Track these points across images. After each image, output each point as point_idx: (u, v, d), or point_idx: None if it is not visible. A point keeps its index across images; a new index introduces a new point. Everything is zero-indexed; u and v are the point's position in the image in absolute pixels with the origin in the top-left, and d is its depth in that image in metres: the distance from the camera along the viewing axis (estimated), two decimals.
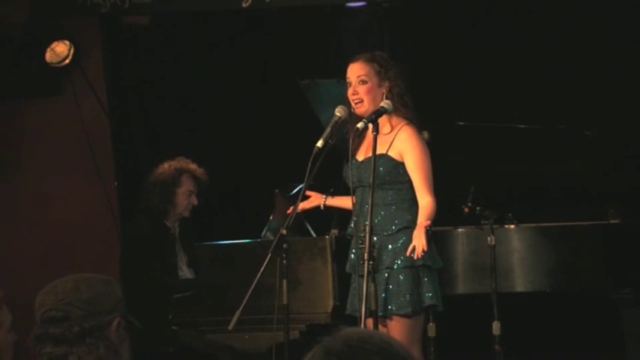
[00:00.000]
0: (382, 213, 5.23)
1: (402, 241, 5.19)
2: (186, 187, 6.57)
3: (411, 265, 5.14)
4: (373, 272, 4.98)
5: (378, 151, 5.15)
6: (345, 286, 5.70)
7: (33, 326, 2.76)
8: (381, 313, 5.15)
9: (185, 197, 6.57)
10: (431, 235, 5.30)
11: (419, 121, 5.32)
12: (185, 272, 6.59)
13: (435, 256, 5.27)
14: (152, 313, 6.11)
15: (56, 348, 2.66)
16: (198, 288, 6.37)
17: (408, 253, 5.01)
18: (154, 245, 6.45)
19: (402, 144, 5.23)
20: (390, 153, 5.24)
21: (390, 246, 5.20)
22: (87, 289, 2.71)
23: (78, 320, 2.66)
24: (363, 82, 5.30)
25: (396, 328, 5.15)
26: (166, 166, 6.61)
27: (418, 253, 4.96)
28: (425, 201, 5.17)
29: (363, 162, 5.29)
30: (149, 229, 6.50)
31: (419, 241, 4.98)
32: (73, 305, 2.67)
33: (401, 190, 5.24)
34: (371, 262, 4.94)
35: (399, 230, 5.20)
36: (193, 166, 6.63)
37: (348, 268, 5.41)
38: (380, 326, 5.19)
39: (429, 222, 5.05)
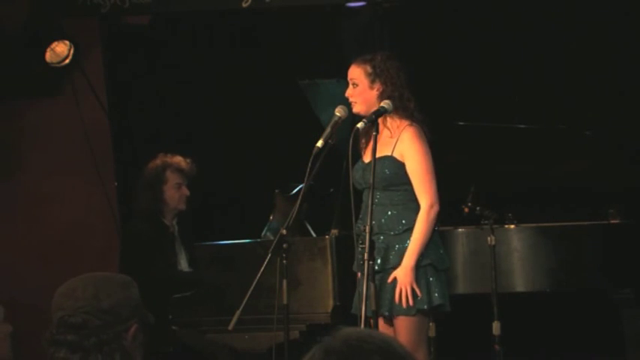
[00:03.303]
0: (389, 213, 5.24)
1: (409, 241, 5.20)
2: (172, 181, 6.55)
3: (417, 264, 5.14)
4: (373, 272, 4.99)
5: (384, 153, 5.18)
6: (346, 286, 5.70)
7: (30, 323, 2.77)
8: (387, 313, 5.16)
9: (174, 191, 6.54)
10: (439, 236, 5.31)
11: (424, 121, 5.32)
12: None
13: (441, 257, 5.27)
14: (153, 313, 6.11)
15: (71, 355, 2.67)
16: (201, 283, 6.36)
17: (397, 300, 5.07)
18: (153, 244, 6.45)
19: (403, 145, 5.24)
20: (394, 154, 5.25)
21: (397, 246, 5.20)
22: (107, 297, 2.70)
23: (95, 330, 2.67)
24: (354, 84, 5.37)
25: (403, 329, 5.15)
26: (150, 166, 6.60)
27: (404, 299, 5.07)
28: (421, 212, 5.18)
29: (368, 163, 5.29)
30: (147, 229, 6.49)
31: (404, 284, 5.07)
32: (92, 314, 2.67)
33: (408, 191, 5.23)
34: (371, 262, 4.94)
35: (405, 230, 5.20)
36: (176, 159, 6.60)
37: (355, 267, 5.41)
38: (387, 327, 5.19)
39: (413, 262, 5.10)
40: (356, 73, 5.36)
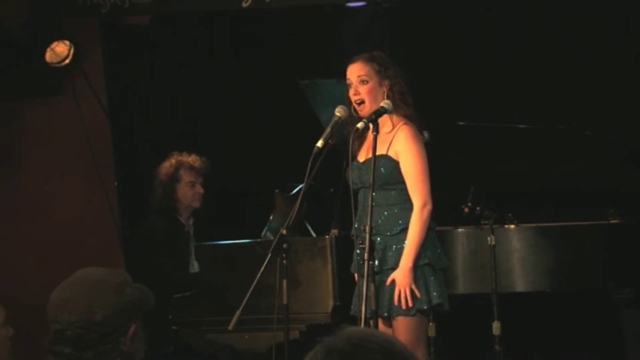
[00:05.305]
0: (385, 213, 5.23)
1: (406, 241, 5.19)
2: (185, 179, 6.61)
3: (415, 264, 5.13)
4: (373, 273, 4.99)
5: (379, 152, 5.15)
6: (346, 286, 5.70)
7: (30, 324, 2.77)
8: (386, 314, 5.15)
9: (188, 189, 6.61)
10: (436, 235, 5.31)
11: (420, 119, 5.32)
12: (196, 270, 6.61)
13: (439, 257, 5.27)
14: (154, 313, 6.11)
15: None
16: (201, 284, 6.38)
17: (396, 302, 5.06)
18: (166, 240, 6.49)
19: (398, 144, 5.23)
20: (389, 153, 5.24)
21: (394, 246, 5.20)
22: (100, 308, 2.68)
23: (92, 343, 2.66)
24: (364, 81, 5.29)
25: (402, 328, 5.14)
26: (164, 165, 6.66)
27: (403, 300, 5.07)
28: (414, 213, 5.17)
29: (364, 163, 5.28)
30: (163, 225, 6.54)
31: (403, 286, 5.06)
32: (87, 329, 2.66)
33: (403, 190, 5.23)
34: (371, 263, 4.94)
35: (402, 230, 5.20)
36: (189, 158, 6.67)
37: (352, 269, 5.40)
38: (386, 327, 5.19)
39: (411, 263, 5.09)
40: (365, 70, 5.30)
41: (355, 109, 5.30)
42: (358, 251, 5.07)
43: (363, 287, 4.93)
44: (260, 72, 7.99)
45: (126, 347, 2.70)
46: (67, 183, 7.74)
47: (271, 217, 6.80)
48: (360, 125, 5.11)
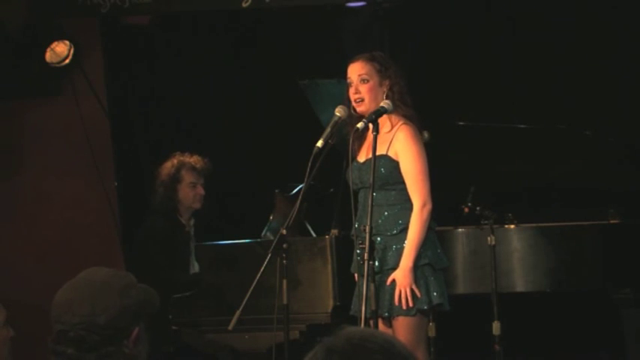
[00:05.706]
0: (386, 213, 5.23)
1: (406, 241, 5.19)
2: (187, 180, 6.63)
3: (415, 264, 5.14)
4: (373, 273, 4.99)
5: (379, 152, 5.15)
6: (346, 286, 5.70)
7: (30, 325, 2.77)
8: (386, 314, 5.15)
9: (189, 190, 6.62)
10: (435, 235, 5.31)
11: (419, 119, 5.32)
12: (196, 270, 6.61)
13: (439, 257, 5.27)
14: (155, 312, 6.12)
15: None
16: (201, 284, 6.38)
17: (396, 302, 5.06)
18: (167, 241, 6.50)
19: (398, 144, 5.24)
20: (389, 153, 5.24)
21: (394, 246, 5.20)
22: (104, 311, 2.67)
23: (94, 345, 2.66)
24: (365, 80, 5.30)
25: (402, 329, 5.14)
26: (166, 165, 6.68)
27: (404, 300, 5.07)
28: (414, 213, 5.17)
29: (364, 163, 5.28)
30: (163, 225, 6.55)
31: (404, 286, 5.05)
32: (90, 331, 2.66)
33: (403, 190, 5.23)
34: (371, 263, 4.94)
35: (402, 230, 5.20)
36: (192, 159, 6.68)
37: (352, 269, 5.41)
38: (386, 327, 5.19)
39: (411, 263, 5.09)
40: (366, 69, 5.30)
41: (355, 109, 5.31)
42: (358, 251, 5.07)
43: (363, 287, 4.93)
44: (260, 72, 7.99)
45: (129, 350, 2.69)
46: (67, 183, 7.74)
47: (271, 217, 6.80)
48: (359, 125, 5.11)
